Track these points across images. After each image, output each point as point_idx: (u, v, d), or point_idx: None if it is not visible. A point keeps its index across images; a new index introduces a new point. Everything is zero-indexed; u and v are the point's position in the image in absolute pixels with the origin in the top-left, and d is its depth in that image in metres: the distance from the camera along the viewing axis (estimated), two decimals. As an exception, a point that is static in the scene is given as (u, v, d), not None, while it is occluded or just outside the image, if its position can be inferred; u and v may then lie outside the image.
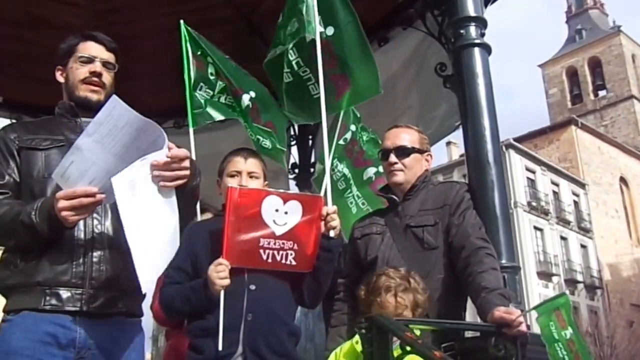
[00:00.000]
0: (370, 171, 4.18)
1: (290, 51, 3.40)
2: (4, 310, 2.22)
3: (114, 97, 1.99)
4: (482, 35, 3.19)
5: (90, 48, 2.45)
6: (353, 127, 4.18)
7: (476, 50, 3.13)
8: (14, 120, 5.17)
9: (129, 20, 5.17)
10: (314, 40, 3.20)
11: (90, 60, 2.43)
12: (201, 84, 3.84)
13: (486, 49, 3.16)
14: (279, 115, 4.00)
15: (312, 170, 5.54)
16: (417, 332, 2.19)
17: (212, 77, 3.89)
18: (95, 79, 2.41)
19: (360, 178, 4.18)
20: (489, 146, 3.03)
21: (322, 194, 2.97)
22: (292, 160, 5.66)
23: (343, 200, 4.18)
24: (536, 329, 2.37)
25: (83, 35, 2.49)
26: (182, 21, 3.43)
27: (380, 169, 3.98)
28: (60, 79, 2.50)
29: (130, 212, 2.05)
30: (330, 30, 3.27)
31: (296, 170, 5.62)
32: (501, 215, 2.99)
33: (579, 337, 2.23)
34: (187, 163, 2.15)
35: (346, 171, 4.17)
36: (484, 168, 3.00)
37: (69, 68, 2.45)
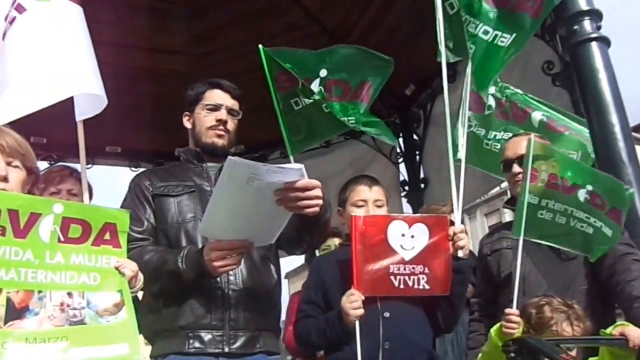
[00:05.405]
0: (537, 115, 3.75)
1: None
2: (151, 356, 2.30)
3: (229, 159, 1.91)
4: (599, 28, 3.01)
5: (217, 96, 2.53)
6: (492, 89, 3.88)
7: (594, 44, 2.95)
8: (133, 169, 5.50)
9: (225, 60, 5.36)
10: None
11: (216, 108, 2.51)
12: (295, 99, 3.76)
13: (605, 42, 2.98)
14: (372, 72, 3.47)
15: (422, 186, 5.44)
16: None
17: (301, 83, 3.53)
18: (220, 126, 2.48)
19: (533, 128, 3.71)
20: (621, 144, 2.82)
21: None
22: (401, 178, 5.60)
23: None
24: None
25: (210, 83, 2.57)
26: (260, 46, 3.41)
27: (545, 109, 3.69)
28: (188, 125, 2.58)
29: (228, 193, 1.98)
30: None
31: (406, 188, 5.54)
32: (645, 217, 2.76)
33: None
34: (317, 192, 2.07)
35: (509, 135, 3.71)
36: (618, 168, 2.79)
37: (196, 114, 2.53)
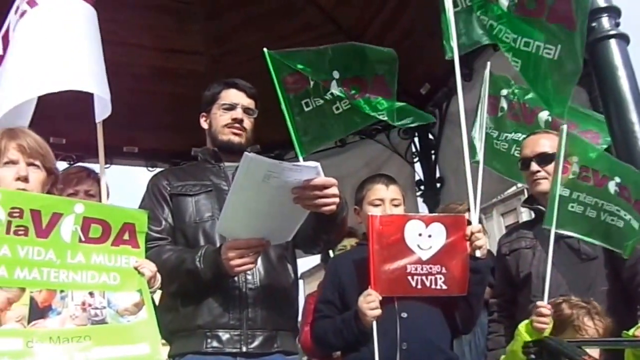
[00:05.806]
0: (544, 115, 3.68)
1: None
2: (170, 356, 2.30)
3: (245, 154, 1.93)
4: (617, 25, 2.95)
5: (232, 95, 2.55)
6: (504, 92, 3.88)
7: (612, 42, 2.89)
8: (149, 169, 5.53)
9: (242, 61, 5.33)
10: None
11: (232, 107, 2.53)
12: (305, 100, 3.57)
13: (624, 38, 2.93)
14: (380, 65, 3.43)
15: (437, 185, 5.41)
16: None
17: (312, 84, 3.52)
18: (237, 124, 2.50)
19: (540, 128, 3.59)
20: (643, 143, 2.78)
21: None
22: (416, 177, 5.57)
23: None
24: None
25: (225, 83, 2.59)
26: (265, 49, 3.42)
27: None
28: (204, 125, 2.61)
29: (245, 190, 1.98)
30: None
31: (422, 187, 5.52)
32: (666, 218, 2.71)
33: None
34: (334, 190, 2.07)
35: (518, 136, 3.71)
36: (638, 166, 2.74)
37: (212, 114, 2.56)
